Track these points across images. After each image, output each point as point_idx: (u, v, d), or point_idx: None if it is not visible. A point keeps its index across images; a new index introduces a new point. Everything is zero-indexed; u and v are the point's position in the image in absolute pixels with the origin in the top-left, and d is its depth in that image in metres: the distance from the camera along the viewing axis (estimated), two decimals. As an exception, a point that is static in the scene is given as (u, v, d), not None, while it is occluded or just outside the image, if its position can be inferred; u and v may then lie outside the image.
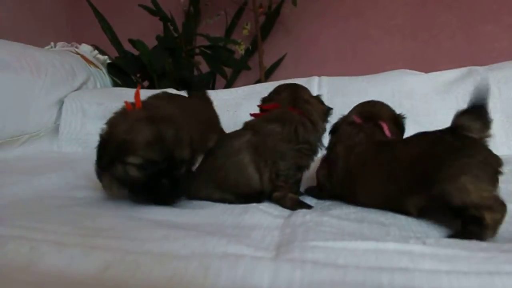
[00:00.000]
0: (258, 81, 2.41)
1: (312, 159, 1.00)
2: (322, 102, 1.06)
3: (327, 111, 1.03)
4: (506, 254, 0.60)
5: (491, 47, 2.18)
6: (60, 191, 1.06)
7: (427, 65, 1.87)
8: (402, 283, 0.53)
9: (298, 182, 0.98)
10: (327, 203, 0.97)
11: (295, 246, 0.65)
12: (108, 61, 2.29)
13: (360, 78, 1.59)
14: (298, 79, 1.64)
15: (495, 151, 1.35)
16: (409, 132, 1.43)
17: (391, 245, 0.63)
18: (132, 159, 0.81)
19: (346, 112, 1.47)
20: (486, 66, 1.56)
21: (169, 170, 0.83)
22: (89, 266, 0.60)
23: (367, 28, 2.45)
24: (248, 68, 2.42)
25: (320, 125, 1.00)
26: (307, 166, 0.99)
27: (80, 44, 2.26)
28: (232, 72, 2.51)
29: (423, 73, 1.59)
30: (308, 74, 1.91)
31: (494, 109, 1.44)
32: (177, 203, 0.91)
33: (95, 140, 0.89)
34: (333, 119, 1.09)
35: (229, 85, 2.45)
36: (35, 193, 1.01)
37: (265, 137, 0.94)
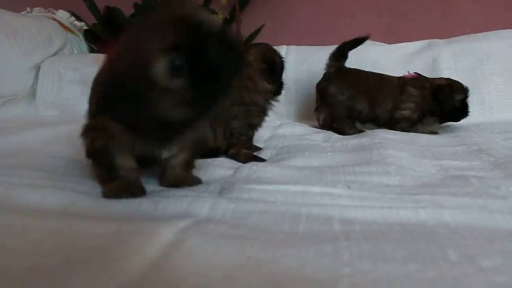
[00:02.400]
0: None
1: (263, 119, 1.12)
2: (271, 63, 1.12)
3: (272, 70, 1.10)
4: (410, 196, 0.74)
5: (465, 22, 2.28)
6: (36, 147, 1.17)
7: (403, 38, 1.98)
8: (317, 213, 0.66)
9: (250, 138, 1.10)
10: (285, 155, 1.11)
11: (234, 189, 0.78)
12: (85, 27, 2.37)
13: (327, 47, 1.70)
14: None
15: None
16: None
17: (317, 188, 0.77)
18: None
19: (312, 80, 1.60)
20: (446, 39, 1.68)
21: None
22: (58, 202, 0.72)
23: (344, 2, 2.54)
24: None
25: (263, 86, 1.09)
26: (258, 125, 1.11)
27: (57, 10, 2.32)
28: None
29: (386, 44, 1.71)
30: (286, 43, 2.02)
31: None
32: None
33: (71, 104, 1.00)
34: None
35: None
36: (12, 147, 1.12)
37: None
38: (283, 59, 1.12)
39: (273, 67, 1.09)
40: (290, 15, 2.66)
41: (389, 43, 1.82)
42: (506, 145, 1.16)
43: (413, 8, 2.39)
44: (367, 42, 1.71)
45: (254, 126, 1.09)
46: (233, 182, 0.84)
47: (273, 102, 1.13)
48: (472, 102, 1.53)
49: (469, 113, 1.43)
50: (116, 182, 0.76)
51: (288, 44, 1.93)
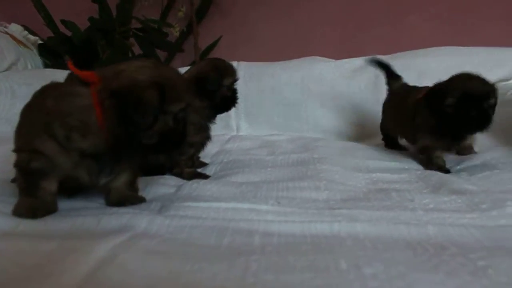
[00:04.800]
0: (193, 63, 2.58)
1: (204, 136, 1.20)
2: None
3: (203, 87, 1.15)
4: (332, 210, 0.84)
5: (414, 35, 2.43)
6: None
7: (356, 51, 2.10)
8: (242, 228, 0.75)
9: (192, 157, 1.19)
10: (228, 171, 1.20)
11: (173, 206, 0.87)
12: (40, 41, 2.41)
13: (275, 64, 1.81)
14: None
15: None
16: (313, 114, 1.68)
17: (247, 205, 0.86)
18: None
19: (261, 95, 1.70)
20: (388, 55, 1.81)
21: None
22: (5, 224, 0.79)
23: (302, 16, 2.64)
24: (181, 51, 2.59)
25: (196, 105, 1.14)
26: (199, 143, 1.19)
27: (9, 24, 2.36)
28: (167, 55, 2.68)
29: (332, 60, 1.83)
30: (244, 57, 2.11)
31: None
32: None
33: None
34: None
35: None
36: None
37: None
38: (222, 75, 1.17)
39: (204, 84, 1.15)
40: (248, 28, 2.74)
41: (348, 57, 1.94)
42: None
43: (365, 22, 2.52)
44: (313, 58, 1.83)
45: (193, 144, 1.17)
46: (173, 200, 0.93)
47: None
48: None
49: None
50: (31, 199, 0.83)
51: (246, 56, 2.03)
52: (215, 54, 2.75)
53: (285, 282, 0.54)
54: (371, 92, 1.71)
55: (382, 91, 1.69)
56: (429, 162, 1.24)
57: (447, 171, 1.20)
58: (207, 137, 1.21)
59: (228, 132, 1.69)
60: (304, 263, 0.59)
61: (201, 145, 1.21)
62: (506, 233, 0.73)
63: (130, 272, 0.57)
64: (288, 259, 0.60)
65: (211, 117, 1.21)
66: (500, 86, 1.64)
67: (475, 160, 1.27)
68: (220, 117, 1.38)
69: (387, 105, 1.50)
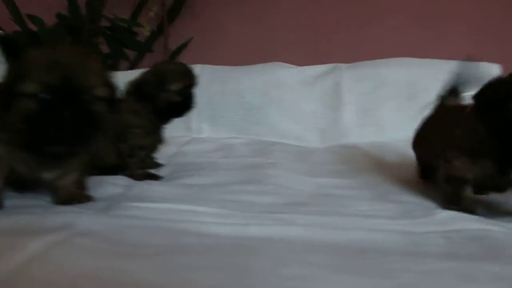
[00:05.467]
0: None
1: (156, 139, 1.23)
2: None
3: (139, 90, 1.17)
4: (271, 214, 0.88)
5: (375, 46, 2.48)
6: None
7: (322, 58, 2.14)
8: (180, 228, 0.78)
9: (142, 159, 1.21)
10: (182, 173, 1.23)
11: (120, 206, 0.90)
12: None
13: (238, 68, 1.85)
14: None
15: (346, 139, 1.67)
16: (274, 119, 1.73)
17: (189, 207, 0.90)
18: (27, 87, 0.75)
19: (224, 98, 1.74)
20: (348, 64, 1.87)
21: (71, 100, 0.77)
22: None
23: (272, 21, 2.67)
24: (150, 51, 2.60)
25: (130, 106, 1.17)
26: (150, 145, 1.22)
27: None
28: (137, 54, 2.69)
29: (294, 66, 1.88)
30: (213, 60, 2.14)
31: (349, 102, 1.76)
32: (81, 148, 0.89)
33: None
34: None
35: (132, 67, 2.62)
36: None
37: None
38: (165, 80, 1.18)
39: (140, 87, 1.18)
40: (220, 30, 2.76)
41: (314, 63, 1.98)
42: (383, 165, 1.34)
43: (329, 30, 2.55)
44: (276, 63, 1.88)
45: (143, 147, 1.20)
46: (120, 200, 0.95)
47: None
48: (369, 123, 1.73)
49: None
50: None
51: (216, 59, 2.05)
52: (186, 55, 2.76)
53: (198, 280, 0.57)
54: (331, 98, 1.76)
55: (341, 98, 1.75)
56: (454, 198, 0.95)
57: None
58: (159, 140, 1.23)
59: (190, 134, 1.72)
60: (225, 263, 0.62)
61: (153, 147, 1.23)
62: (430, 238, 0.78)
63: (58, 269, 0.60)
64: (211, 259, 0.64)
65: (161, 121, 1.23)
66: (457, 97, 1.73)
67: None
68: (181, 119, 1.41)
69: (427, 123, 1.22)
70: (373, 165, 1.36)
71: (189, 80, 1.22)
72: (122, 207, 0.90)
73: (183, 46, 2.74)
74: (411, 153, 1.50)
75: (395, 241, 0.76)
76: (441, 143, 1.02)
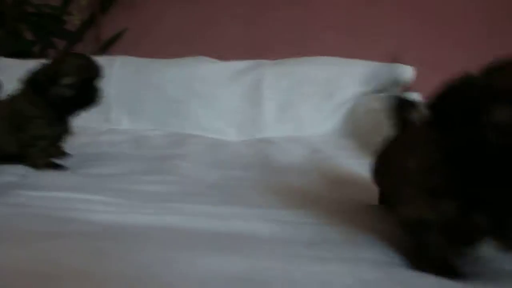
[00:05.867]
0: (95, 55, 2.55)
1: (58, 129, 1.22)
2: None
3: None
4: (159, 203, 0.90)
5: (319, 43, 2.51)
6: None
7: (261, 52, 2.16)
8: (66, 215, 0.80)
9: (44, 149, 1.20)
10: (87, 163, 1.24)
11: (9, 193, 0.91)
12: None
13: (162, 61, 1.86)
14: (104, 56, 1.87)
15: (264, 133, 1.72)
16: (195, 113, 1.75)
17: (82, 195, 0.92)
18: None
19: (145, 91, 1.74)
20: (272, 61, 1.92)
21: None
22: None
23: (209, 13, 2.67)
24: (79, 40, 2.55)
25: (37, 99, 1.17)
26: (53, 135, 1.21)
27: None
28: (66, 43, 2.63)
29: (218, 61, 1.91)
30: (147, 51, 2.12)
31: (270, 98, 1.81)
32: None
33: None
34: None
35: (60, 55, 2.57)
36: None
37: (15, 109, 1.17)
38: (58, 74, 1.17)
39: (34, 79, 1.18)
40: (156, 21, 2.73)
41: (253, 57, 2.01)
42: (293, 158, 1.39)
43: (274, 22, 2.58)
44: (200, 58, 1.90)
45: (44, 137, 1.19)
46: (13, 188, 0.95)
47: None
48: (288, 119, 1.78)
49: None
50: None
51: (149, 51, 2.04)
52: (119, 46, 2.73)
53: (58, 260, 0.60)
54: (252, 94, 1.80)
55: (262, 94, 1.80)
56: (421, 252, 0.65)
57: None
58: (64, 130, 1.23)
59: (109, 125, 1.71)
60: (90, 247, 0.65)
61: (57, 137, 1.23)
62: (305, 228, 0.83)
63: None
64: (80, 244, 0.66)
65: (63, 112, 1.22)
66: (373, 97, 1.81)
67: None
68: (100, 110, 1.42)
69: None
70: (283, 158, 1.40)
71: (86, 74, 1.19)
72: (13, 195, 0.91)
73: (116, 37, 2.71)
74: (324, 148, 1.58)
75: (274, 230, 0.80)
76: (395, 178, 0.76)
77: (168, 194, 0.99)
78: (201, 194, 1.01)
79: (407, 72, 1.89)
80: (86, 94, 1.19)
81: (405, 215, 0.68)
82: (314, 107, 1.82)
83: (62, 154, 1.29)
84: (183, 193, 1.01)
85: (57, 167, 1.18)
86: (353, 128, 1.73)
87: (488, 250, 0.64)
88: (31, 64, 1.24)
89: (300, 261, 0.65)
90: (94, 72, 1.20)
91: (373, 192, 0.98)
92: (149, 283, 0.56)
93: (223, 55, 2.01)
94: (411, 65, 1.93)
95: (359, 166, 1.34)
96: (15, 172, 1.10)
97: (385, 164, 0.89)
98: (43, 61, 1.21)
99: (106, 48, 2.69)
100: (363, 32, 2.43)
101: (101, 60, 1.26)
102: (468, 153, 0.57)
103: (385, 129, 1.51)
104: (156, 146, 1.48)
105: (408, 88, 1.88)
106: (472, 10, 2.37)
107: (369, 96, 1.79)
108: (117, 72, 1.79)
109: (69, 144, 1.32)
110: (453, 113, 0.58)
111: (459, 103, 0.58)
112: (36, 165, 1.16)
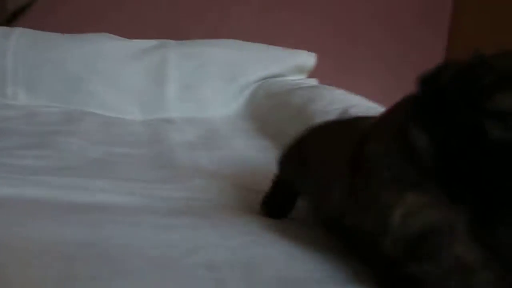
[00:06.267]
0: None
1: None
2: None
3: None
4: (26, 176, 0.92)
5: (240, 26, 2.52)
6: None
7: (176, 32, 2.15)
8: None
9: None
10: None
11: None
12: None
13: (63, 36, 1.82)
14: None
15: (169, 113, 1.74)
16: (95, 90, 1.74)
17: None
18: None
19: (44, 65, 1.71)
20: (178, 41, 1.94)
21: None
22: None
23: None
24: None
25: None
26: None
27: None
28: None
29: (122, 38, 1.90)
30: (58, 24, 2.05)
31: (174, 78, 1.83)
32: None
33: None
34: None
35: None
36: None
37: None
38: None
39: None
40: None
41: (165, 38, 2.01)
42: (181, 137, 1.44)
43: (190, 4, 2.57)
44: (105, 35, 1.89)
45: None
46: None
47: None
48: (191, 99, 1.82)
49: None
50: None
51: (60, 23, 1.97)
52: (28, 19, 2.62)
53: None
54: (156, 73, 1.82)
55: (166, 74, 1.82)
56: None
57: None
58: None
59: (4, 100, 1.67)
60: None
61: None
62: (170, 202, 0.88)
63: None
64: None
65: None
66: (274, 81, 1.89)
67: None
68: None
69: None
70: (178, 137, 1.44)
71: None
72: None
73: (24, 7, 2.60)
74: (221, 128, 1.65)
75: (139, 202, 0.85)
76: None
77: (43, 168, 1.01)
78: (78, 168, 1.03)
79: (310, 59, 1.98)
80: None
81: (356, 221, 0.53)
82: (218, 89, 1.86)
83: None
84: (59, 167, 1.02)
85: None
86: (253, 111, 1.80)
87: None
88: None
89: (152, 229, 0.69)
90: None
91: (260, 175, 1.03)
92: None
93: (134, 35, 2.00)
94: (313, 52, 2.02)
95: (252, 146, 1.42)
96: None
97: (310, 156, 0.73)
98: None
99: (12, 19, 2.58)
100: (276, 18, 2.49)
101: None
102: (461, 143, 0.46)
103: (284, 113, 1.62)
104: (49, 122, 1.46)
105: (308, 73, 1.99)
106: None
107: (271, 81, 1.86)
108: (14, 45, 1.74)
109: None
110: (451, 93, 0.47)
111: (461, 81, 0.47)
112: None
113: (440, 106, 0.48)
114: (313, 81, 1.93)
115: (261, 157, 1.26)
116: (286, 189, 0.82)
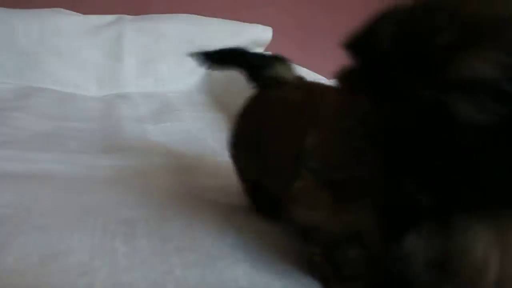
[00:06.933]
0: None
1: None
2: None
3: None
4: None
5: None
6: None
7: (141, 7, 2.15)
8: None
9: None
10: None
11: None
12: None
13: (15, 10, 1.81)
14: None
15: (124, 89, 1.77)
16: (49, 66, 1.75)
17: None
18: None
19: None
20: (133, 16, 1.95)
21: None
22: None
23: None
24: None
25: None
26: None
27: None
28: None
29: (77, 14, 1.91)
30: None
31: (130, 53, 1.86)
32: None
33: None
34: None
35: None
36: None
37: None
38: None
39: None
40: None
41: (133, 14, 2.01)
42: (135, 112, 1.48)
43: None
44: (58, 10, 1.89)
45: None
46: None
47: None
48: (149, 75, 1.85)
49: None
50: None
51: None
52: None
53: None
54: (112, 49, 1.84)
55: (123, 49, 1.84)
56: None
57: None
58: None
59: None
60: None
61: None
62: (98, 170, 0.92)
63: None
64: None
65: None
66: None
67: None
68: None
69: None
70: (131, 112, 1.48)
71: None
72: None
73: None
74: (176, 103, 1.68)
75: (74, 170, 0.89)
76: (283, 163, 0.54)
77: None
78: (22, 142, 1.07)
79: (266, 32, 2.02)
80: None
81: (299, 219, 0.46)
82: (174, 64, 1.89)
83: None
84: (4, 141, 1.05)
85: None
86: (209, 85, 1.84)
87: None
88: None
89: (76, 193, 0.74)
90: None
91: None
92: None
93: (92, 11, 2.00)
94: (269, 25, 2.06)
95: (202, 119, 1.47)
96: None
97: (254, 136, 0.64)
98: None
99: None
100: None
101: None
102: (417, 131, 0.33)
103: (241, 88, 1.66)
104: (0, 98, 1.48)
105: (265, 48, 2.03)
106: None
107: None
108: None
109: None
110: (395, 60, 0.34)
111: (408, 41, 0.33)
112: None
113: (383, 81, 0.34)
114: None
115: (207, 129, 1.31)
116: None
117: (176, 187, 0.82)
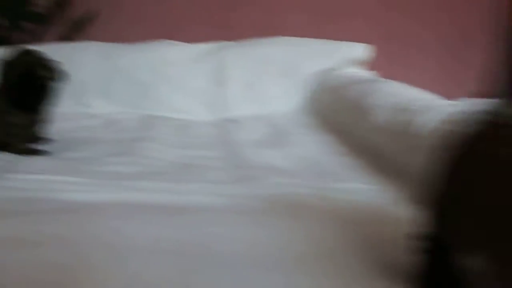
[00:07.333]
0: (67, 38, 2.59)
1: (26, 118, 1.33)
2: None
3: None
4: (119, 181, 1.06)
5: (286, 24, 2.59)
6: None
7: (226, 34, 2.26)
8: (43, 196, 0.94)
9: (22, 136, 1.33)
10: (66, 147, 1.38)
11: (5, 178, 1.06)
12: None
13: (130, 45, 1.98)
14: (74, 43, 2.00)
15: (231, 112, 1.86)
16: (164, 95, 1.88)
17: (59, 177, 1.07)
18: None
19: (115, 74, 1.87)
20: (233, 42, 2.06)
21: None
22: None
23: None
24: (44, 23, 2.56)
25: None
26: (23, 124, 1.33)
27: None
28: (36, 27, 2.68)
29: (182, 43, 2.04)
30: (123, 36, 2.19)
31: (234, 78, 1.96)
32: None
33: None
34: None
35: (34, 39, 2.62)
36: None
37: None
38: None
39: None
40: (131, 5, 2.74)
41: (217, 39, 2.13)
42: (250, 136, 1.55)
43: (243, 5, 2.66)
44: (166, 41, 2.03)
45: (16, 125, 1.32)
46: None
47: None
48: (252, 97, 1.94)
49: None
50: None
51: (127, 35, 2.13)
52: (92, 30, 2.77)
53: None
54: (217, 75, 1.96)
55: (227, 75, 1.95)
56: None
57: None
58: (33, 119, 1.36)
59: (81, 109, 1.84)
60: (54, 219, 0.82)
61: (28, 125, 1.35)
62: (249, 200, 0.99)
63: None
64: (43, 216, 0.83)
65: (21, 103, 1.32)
66: (329, 73, 1.96)
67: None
68: (73, 95, 1.57)
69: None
70: (246, 136, 1.57)
71: (26, 69, 1.30)
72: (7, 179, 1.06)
73: (86, 19, 2.75)
74: (286, 125, 1.74)
75: (218, 202, 0.96)
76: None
77: (134, 174, 1.15)
78: (164, 173, 1.17)
79: (362, 50, 2.04)
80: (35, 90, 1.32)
81: None
82: (276, 85, 1.97)
83: (41, 140, 1.41)
84: (144, 172, 1.16)
85: (36, 152, 1.31)
86: (312, 106, 1.90)
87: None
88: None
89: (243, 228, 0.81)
90: (34, 69, 1.31)
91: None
92: (97, 247, 0.72)
93: (191, 38, 2.13)
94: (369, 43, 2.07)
95: (318, 142, 1.52)
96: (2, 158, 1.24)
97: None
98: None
99: (76, 30, 2.73)
100: (328, 11, 2.54)
101: (71, 46, 1.40)
102: None
103: (346, 107, 1.69)
104: (125, 129, 1.62)
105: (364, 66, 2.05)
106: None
107: (327, 75, 1.94)
108: (87, 58, 1.92)
109: (52, 130, 1.44)
110: None
111: None
112: (16, 152, 1.29)
113: None
114: (370, 74, 1.97)
115: (323, 153, 1.37)
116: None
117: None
